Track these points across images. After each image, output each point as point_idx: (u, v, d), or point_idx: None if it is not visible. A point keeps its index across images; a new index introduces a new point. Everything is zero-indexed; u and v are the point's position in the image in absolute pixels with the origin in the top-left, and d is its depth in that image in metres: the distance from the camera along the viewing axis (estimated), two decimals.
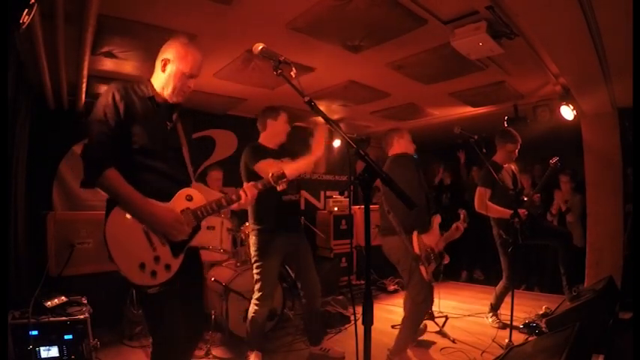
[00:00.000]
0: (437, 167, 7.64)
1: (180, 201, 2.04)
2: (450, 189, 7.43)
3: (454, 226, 3.66)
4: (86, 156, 1.87)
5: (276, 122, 3.41)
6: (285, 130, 3.43)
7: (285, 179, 2.31)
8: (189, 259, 2.06)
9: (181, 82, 2.07)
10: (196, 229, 2.06)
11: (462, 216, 3.78)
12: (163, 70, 2.06)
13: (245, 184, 2.24)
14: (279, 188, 2.33)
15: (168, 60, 2.05)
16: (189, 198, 2.07)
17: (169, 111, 2.15)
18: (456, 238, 3.72)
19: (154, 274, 1.88)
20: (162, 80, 2.08)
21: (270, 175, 2.27)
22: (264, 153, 3.20)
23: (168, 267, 1.93)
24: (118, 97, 1.93)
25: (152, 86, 2.11)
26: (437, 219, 3.51)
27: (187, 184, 2.11)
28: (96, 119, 1.89)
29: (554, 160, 4.04)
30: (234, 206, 2.24)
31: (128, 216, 1.88)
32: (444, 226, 3.61)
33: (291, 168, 2.77)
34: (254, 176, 2.93)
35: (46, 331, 2.94)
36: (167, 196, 2.00)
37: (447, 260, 3.55)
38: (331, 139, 6.74)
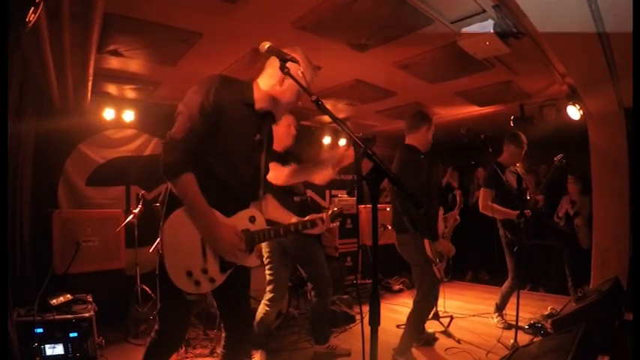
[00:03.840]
0: (443, 168, 7.63)
1: (242, 220, 1.95)
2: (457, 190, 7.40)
3: (452, 218, 3.67)
4: (167, 152, 1.75)
5: (276, 126, 3.38)
6: (287, 133, 3.38)
7: (340, 217, 2.27)
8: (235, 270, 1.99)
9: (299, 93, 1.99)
10: (250, 252, 1.98)
11: (457, 197, 3.77)
12: (289, 75, 1.82)
13: (323, 215, 2.18)
14: (333, 225, 2.28)
15: (299, 67, 1.83)
16: (252, 219, 1.98)
17: (264, 122, 2.01)
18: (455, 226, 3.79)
19: (197, 283, 1.83)
20: (284, 86, 1.96)
21: (330, 212, 2.22)
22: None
23: (212, 280, 1.87)
24: (213, 96, 1.78)
25: (258, 91, 1.98)
26: (439, 212, 3.52)
27: (250, 203, 2.02)
28: (189, 113, 1.77)
29: (559, 157, 4.02)
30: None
31: (190, 221, 1.81)
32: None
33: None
34: None
35: (52, 328, 2.96)
36: (226, 211, 1.89)
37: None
38: (337, 139, 6.73)
